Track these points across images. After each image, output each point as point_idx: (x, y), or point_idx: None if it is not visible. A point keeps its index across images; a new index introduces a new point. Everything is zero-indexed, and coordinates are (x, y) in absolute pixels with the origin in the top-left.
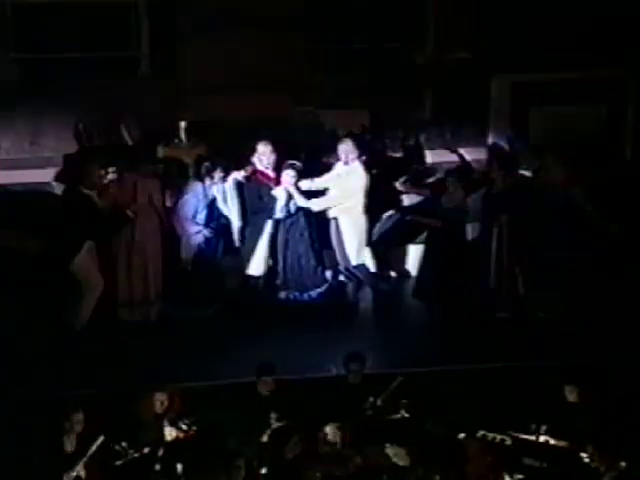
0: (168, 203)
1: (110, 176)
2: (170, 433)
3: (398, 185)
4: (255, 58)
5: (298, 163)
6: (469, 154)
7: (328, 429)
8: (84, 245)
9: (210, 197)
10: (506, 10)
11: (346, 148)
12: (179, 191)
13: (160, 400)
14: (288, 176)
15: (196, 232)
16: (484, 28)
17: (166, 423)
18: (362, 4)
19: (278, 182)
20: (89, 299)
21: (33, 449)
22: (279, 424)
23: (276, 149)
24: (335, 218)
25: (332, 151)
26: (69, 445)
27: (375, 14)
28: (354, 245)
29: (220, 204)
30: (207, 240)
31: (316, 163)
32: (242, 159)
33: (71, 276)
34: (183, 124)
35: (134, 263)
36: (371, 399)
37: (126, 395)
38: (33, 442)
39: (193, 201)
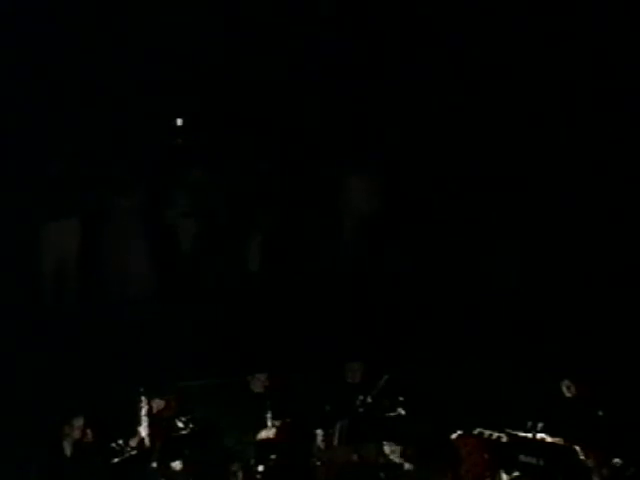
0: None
1: None
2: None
3: None
4: None
5: None
6: None
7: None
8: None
9: None
10: None
11: None
12: None
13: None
14: None
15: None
16: None
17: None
18: None
19: None
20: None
21: (33, 452)
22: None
23: None
24: None
25: None
26: (68, 449)
27: None
28: None
29: None
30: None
31: None
32: None
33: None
34: (180, 121)
35: (130, 262)
36: (361, 397)
37: (125, 395)
38: (33, 445)
39: None
